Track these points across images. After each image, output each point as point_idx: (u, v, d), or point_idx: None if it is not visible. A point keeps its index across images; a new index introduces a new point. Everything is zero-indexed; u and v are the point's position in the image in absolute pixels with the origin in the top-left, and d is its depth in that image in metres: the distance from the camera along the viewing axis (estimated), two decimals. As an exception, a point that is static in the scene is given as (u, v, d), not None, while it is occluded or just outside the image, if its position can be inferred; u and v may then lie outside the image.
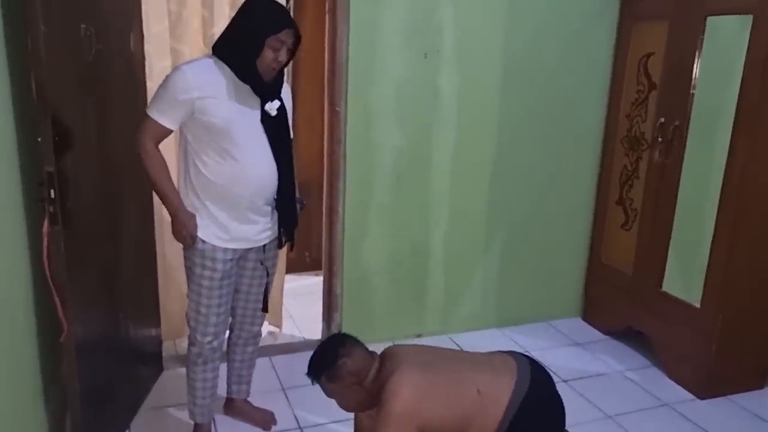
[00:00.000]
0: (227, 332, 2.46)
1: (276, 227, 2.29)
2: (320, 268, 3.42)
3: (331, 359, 1.88)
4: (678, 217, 3.01)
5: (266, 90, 2.11)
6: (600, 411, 2.78)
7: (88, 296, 2.19)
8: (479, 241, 3.45)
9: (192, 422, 2.46)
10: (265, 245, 2.30)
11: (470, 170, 3.31)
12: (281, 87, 2.20)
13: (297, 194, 2.37)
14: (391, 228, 3.24)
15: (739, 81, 2.64)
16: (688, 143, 2.94)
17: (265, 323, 3.40)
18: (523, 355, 2.03)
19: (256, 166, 2.13)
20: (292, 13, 3.92)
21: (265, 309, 2.44)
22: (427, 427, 1.79)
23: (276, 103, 2.16)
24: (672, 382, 3.03)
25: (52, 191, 1.90)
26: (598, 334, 3.54)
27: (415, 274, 3.36)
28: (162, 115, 2.04)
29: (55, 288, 1.97)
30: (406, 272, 3.34)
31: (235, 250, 2.21)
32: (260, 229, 2.24)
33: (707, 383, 2.89)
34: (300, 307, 3.73)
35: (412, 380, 1.81)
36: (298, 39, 2.10)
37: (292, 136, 2.32)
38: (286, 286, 3.56)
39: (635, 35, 3.23)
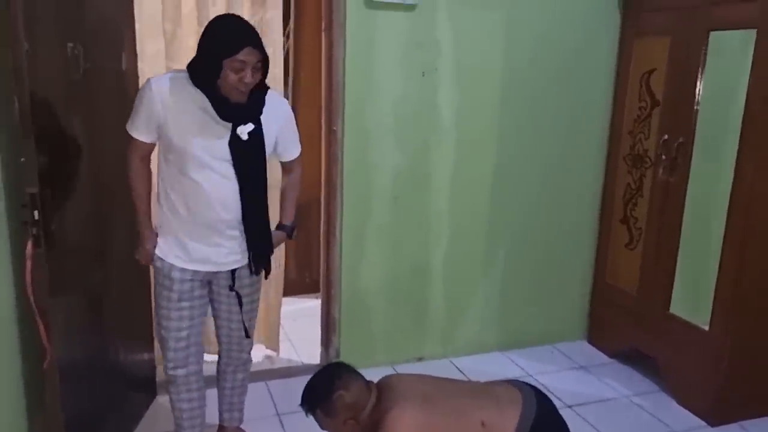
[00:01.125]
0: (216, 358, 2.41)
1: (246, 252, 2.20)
2: (319, 290, 3.35)
3: (326, 392, 1.81)
4: (684, 237, 2.93)
5: (231, 113, 2.02)
6: (606, 438, 2.69)
7: (73, 320, 2.14)
8: (480, 261, 3.37)
9: None
10: (235, 270, 2.22)
11: (470, 189, 3.25)
12: (258, 109, 2.09)
13: (287, 221, 2.35)
14: (390, 249, 3.17)
15: (744, 96, 2.58)
16: (693, 161, 2.87)
17: (262, 347, 3.36)
18: (527, 384, 1.95)
19: (216, 189, 2.06)
20: (291, 34, 3.91)
21: (247, 335, 2.35)
22: None
23: (249, 127, 2.06)
24: (681, 408, 2.92)
25: (35, 213, 1.85)
26: (603, 357, 3.44)
27: (415, 296, 3.28)
28: (135, 129, 2.05)
29: (39, 312, 1.91)
30: (406, 294, 3.26)
31: (195, 272, 2.14)
32: (226, 253, 2.15)
33: (717, 409, 2.79)
34: (299, 329, 3.65)
35: (410, 417, 1.73)
36: (264, 57, 2.00)
37: (296, 153, 2.35)
38: (285, 308, 3.50)
39: (637, 51, 3.18)
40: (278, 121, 2.18)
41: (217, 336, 2.37)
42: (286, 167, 2.38)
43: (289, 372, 3.18)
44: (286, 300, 3.81)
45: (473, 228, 3.31)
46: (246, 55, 1.95)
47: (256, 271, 2.27)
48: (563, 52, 3.23)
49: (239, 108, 2.04)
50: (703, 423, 2.81)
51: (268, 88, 2.14)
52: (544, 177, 3.38)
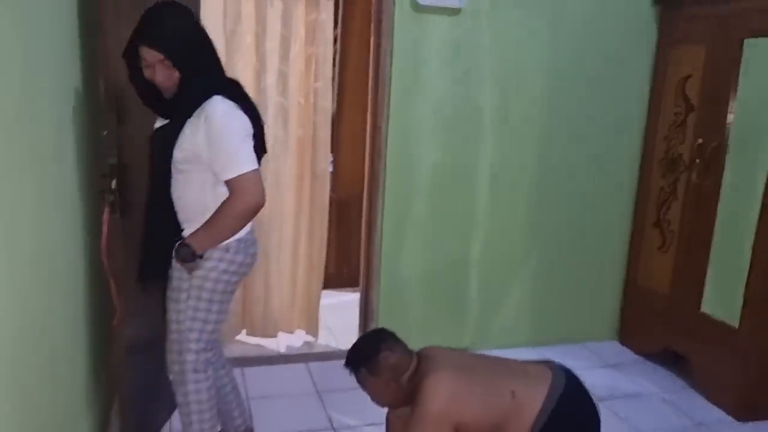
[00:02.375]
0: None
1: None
2: (357, 285, 3.50)
3: (372, 352, 1.92)
4: (716, 238, 3.01)
5: (151, 105, 1.99)
6: (635, 430, 2.76)
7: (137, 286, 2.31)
8: (515, 258, 3.49)
9: None
10: None
11: (508, 188, 3.37)
12: (179, 107, 1.93)
13: (188, 239, 1.97)
14: (429, 242, 3.31)
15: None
16: (726, 164, 2.96)
17: (302, 332, 3.52)
18: (558, 364, 2.04)
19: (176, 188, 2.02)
20: (339, 37, 4.11)
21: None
22: (462, 426, 1.81)
23: (163, 121, 1.99)
24: (711, 405, 2.98)
25: (113, 182, 2.04)
26: (633, 356, 3.51)
27: (452, 288, 3.41)
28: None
29: (111, 273, 2.09)
30: (443, 286, 3.39)
31: None
32: None
33: (748, 407, 2.85)
34: (337, 320, 3.80)
35: (447, 381, 1.84)
36: (158, 53, 1.85)
37: (231, 176, 1.89)
38: (324, 300, 3.66)
39: (673, 58, 3.28)
40: (203, 130, 1.89)
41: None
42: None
43: (327, 356, 3.32)
44: (325, 293, 3.96)
45: (510, 225, 3.43)
46: (143, 53, 1.87)
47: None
48: (602, 58, 3.35)
49: (160, 102, 1.97)
50: (732, 419, 2.86)
51: (214, 93, 1.91)
52: (580, 178, 3.49)
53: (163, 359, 2.08)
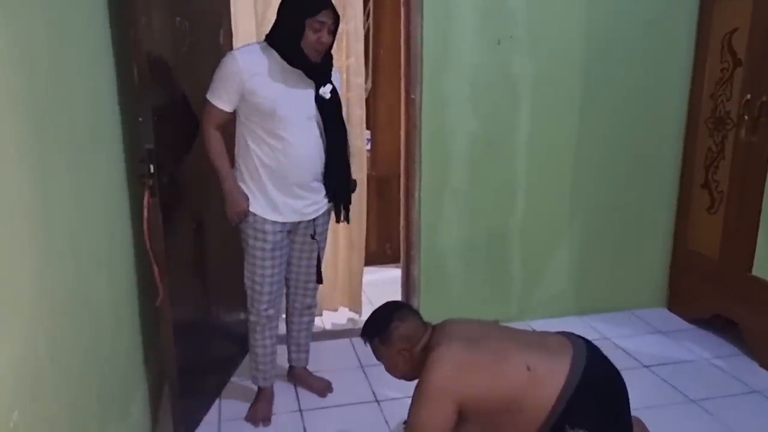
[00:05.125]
0: (285, 303, 2.65)
1: (324, 202, 2.45)
2: (399, 261, 3.51)
3: (385, 322, 1.95)
4: (767, 198, 2.89)
5: (316, 72, 2.26)
6: (683, 395, 2.71)
7: (181, 267, 2.39)
8: (558, 226, 3.44)
9: (255, 387, 2.62)
10: (315, 219, 2.45)
11: (548, 155, 3.31)
12: (331, 70, 2.35)
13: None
14: (468, 213, 3.29)
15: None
16: (776, 120, 2.83)
17: (345, 309, 3.57)
18: (578, 335, 1.97)
19: (303, 146, 2.30)
20: (371, 13, 4.08)
21: (319, 280, 2.59)
22: (469, 402, 1.77)
23: (329, 87, 2.32)
24: (764, 371, 2.90)
25: (151, 166, 2.10)
26: (683, 323, 3.43)
27: (493, 259, 3.39)
28: (217, 99, 2.24)
29: (153, 255, 2.16)
30: (483, 257, 3.37)
31: (284, 223, 2.38)
32: (308, 203, 2.40)
33: (802, 370, 2.76)
34: (380, 296, 3.77)
35: (454, 354, 1.80)
36: (337, 20, 2.24)
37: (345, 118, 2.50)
38: (367, 277, 3.70)
39: (718, 12, 3.14)
40: (337, 83, 2.41)
41: (286, 280, 2.59)
42: None
43: (371, 331, 3.35)
44: (369, 269, 4.03)
45: (551, 193, 3.37)
46: (324, 16, 2.19)
47: (344, 217, 2.52)
48: (642, 17, 3.24)
49: (321, 67, 2.27)
50: (786, 384, 2.78)
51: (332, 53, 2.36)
52: (623, 143, 3.39)
53: (210, 339, 2.23)
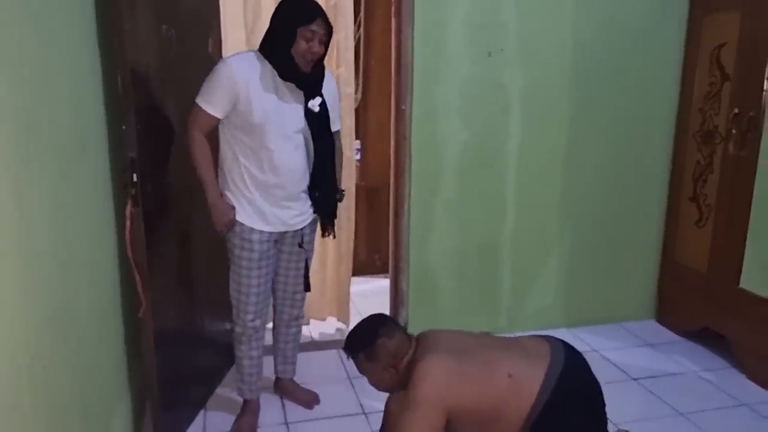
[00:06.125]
0: (273, 313, 2.63)
1: (310, 212, 2.44)
2: (389, 271, 3.49)
3: (370, 338, 1.92)
4: (755, 210, 2.89)
5: (307, 83, 2.25)
6: (671, 408, 2.69)
7: (166, 277, 2.36)
8: (548, 238, 3.43)
9: (241, 399, 2.59)
10: (302, 229, 2.44)
11: (538, 167, 3.31)
12: (321, 81, 2.32)
13: (339, 185, 2.55)
14: (458, 225, 3.27)
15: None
16: (764, 134, 2.84)
17: (333, 320, 3.54)
18: (559, 340, 1.98)
19: (290, 158, 2.28)
20: (362, 23, 4.08)
21: (306, 288, 2.57)
22: (457, 411, 1.77)
23: (318, 100, 2.30)
24: (751, 383, 2.89)
25: (134, 175, 2.08)
26: (672, 336, 3.42)
27: (482, 271, 3.37)
28: (208, 104, 2.20)
29: (136, 265, 2.13)
30: (473, 269, 3.36)
31: (270, 233, 2.36)
32: (295, 213, 2.39)
33: (790, 384, 2.75)
34: (369, 306, 3.77)
35: (441, 365, 1.80)
36: (329, 31, 2.23)
37: (338, 127, 2.50)
38: (356, 287, 3.69)
39: (707, 26, 3.16)
40: (329, 95, 2.38)
41: (273, 291, 2.57)
42: None
43: (359, 342, 3.33)
44: (357, 279, 4.01)
45: (541, 205, 3.37)
46: (317, 25, 2.18)
47: (329, 232, 2.50)
48: (631, 30, 3.25)
49: (309, 78, 2.25)
50: (774, 397, 2.77)
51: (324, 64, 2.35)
52: (612, 155, 3.40)
53: (195, 350, 2.20)
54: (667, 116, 3.41)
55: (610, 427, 2.37)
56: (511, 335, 3.36)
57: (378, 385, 2.01)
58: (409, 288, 3.30)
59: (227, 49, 2.98)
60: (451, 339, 1.95)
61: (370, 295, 3.95)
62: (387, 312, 3.41)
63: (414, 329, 3.28)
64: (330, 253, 3.45)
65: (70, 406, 1.62)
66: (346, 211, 3.38)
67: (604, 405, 1.93)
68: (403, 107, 3.07)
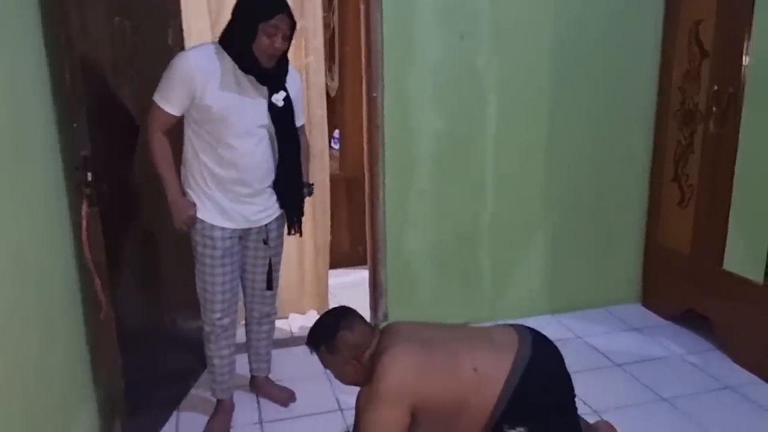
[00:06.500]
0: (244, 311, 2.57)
1: (275, 208, 2.36)
2: (369, 262, 3.43)
3: (331, 331, 1.89)
4: (737, 190, 2.83)
5: (269, 78, 2.17)
6: (654, 393, 2.64)
7: (128, 277, 2.29)
8: (529, 225, 3.36)
9: (214, 399, 2.53)
10: (267, 225, 2.37)
11: (516, 152, 3.24)
12: (285, 76, 2.26)
13: (306, 180, 2.48)
14: (435, 213, 3.20)
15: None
16: (744, 111, 2.77)
17: (314, 313, 3.48)
18: (528, 328, 1.93)
19: (252, 154, 2.21)
20: (336, 10, 3.99)
21: (269, 287, 2.48)
22: (421, 404, 1.74)
23: (282, 94, 2.24)
24: (736, 365, 2.84)
25: (88, 174, 2.00)
26: (658, 320, 3.37)
27: (462, 260, 3.31)
28: (165, 102, 2.13)
29: (94, 266, 2.06)
30: (452, 258, 3.29)
31: (233, 230, 2.29)
32: (259, 209, 2.31)
33: (775, 365, 2.70)
34: (351, 298, 3.69)
35: (405, 358, 1.77)
36: (292, 25, 2.14)
37: (302, 122, 2.44)
38: (339, 279, 3.65)
39: (684, 3, 3.08)
40: (293, 90, 2.31)
41: (243, 288, 2.50)
42: None
43: (339, 336, 3.27)
44: (340, 271, 3.98)
45: (521, 192, 3.30)
46: (279, 21, 2.09)
47: (296, 229, 2.41)
48: (609, 9, 3.17)
49: (271, 73, 2.17)
50: (759, 379, 2.72)
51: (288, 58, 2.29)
52: (593, 139, 3.33)
53: (165, 351, 2.14)
54: (647, 96, 3.34)
55: (591, 417, 2.33)
56: (494, 324, 3.35)
57: (343, 379, 1.98)
58: (387, 279, 3.23)
59: (192, 40, 2.89)
60: (415, 331, 1.91)
61: (353, 287, 3.89)
62: (367, 304, 3.36)
63: (394, 318, 3.26)
64: (307, 246, 3.38)
65: (23, 409, 1.56)
66: (322, 203, 3.32)
67: (572, 395, 1.88)
68: (374, 95, 2.99)
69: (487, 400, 1.73)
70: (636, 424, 2.41)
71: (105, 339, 2.17)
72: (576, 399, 1.90)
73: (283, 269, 3.31)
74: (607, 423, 2.21)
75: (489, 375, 1.75)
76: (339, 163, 4.35)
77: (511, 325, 1.96)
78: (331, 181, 4.24)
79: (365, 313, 3.33)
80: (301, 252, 3.37)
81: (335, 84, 4.23)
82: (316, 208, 3.32)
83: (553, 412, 1.76)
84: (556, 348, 1.91)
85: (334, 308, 2.06)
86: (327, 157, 3.34)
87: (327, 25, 4.32)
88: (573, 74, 3.21)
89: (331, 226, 4.30)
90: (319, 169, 3.26)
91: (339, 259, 4.32)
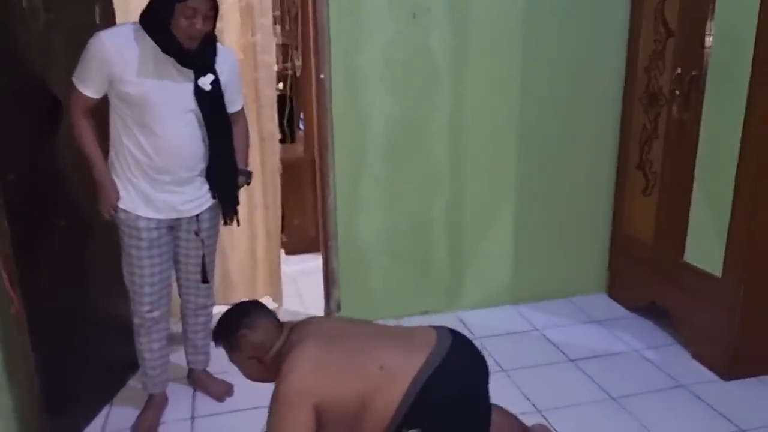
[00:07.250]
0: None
1: (207, 197, 2.25)
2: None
3: (232, 328, 1.81)
4: (699, 179, 2.70)
5: (192, 60, 2.05)
6: (604, 392, 2.54)
7: (45, 269, 2.18)
8: (489, 212, 3.24)
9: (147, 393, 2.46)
10: (198, 216, 2.26)
11: (473, 137, 3.10)
12: (213, 58, 2.13)
13: (244, 167, 2.38)
14: (388, 201, 3.09)
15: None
16: (706, 96, 2.62)
17: (268, 300, 3.38)
18: (452, 331, 1.82)
19: (177, 138, 2.10)
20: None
21: (204, 280, 2.38)
22: (326, 404, 1.65)
23: (209, 77, 2.11)
24: (694, 362, 2.73)
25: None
26: (622, 311, 3.26)
27: (417, 248, 3.19)
28: (82, 84, 2.03)
29: (1, 260, 1.96)
30: (407, 247, 3.18)
31: (159, 220, 2.18)
32: (187, 199, 2.21)
33: (732, 362, 2.58)
34: (311, 286, 3.63)
35: (307, 357, 1.69)
36: (214, 5, 2.02)
37: (239, 107, 2.34)
38: (301, 266, 3.57)
39: (651, -21, 2.92)
40: (226, 72, 2.19)
41: (177, 279, 2.41)
42: (232, 118, 2.31)
43: (291, 325, 3.18)
44: (295, 258, 3.93)
45: (478, 177, 3.17)
46: (197, 1, 1.96)
47: (228, 217, 2.32)
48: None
49: (194, 56, 2.05)
50: (715, 377, 2.61)
51: (216, 38, 2.17)
52: (557, 121, 3.19)
53: (93, 345, 2.06)
54: (615, 78, 3.18)
55: (534, 416, 2.25)
56: (452, 315, 3.26)
57: (249, 377, 1.91)
58: (339, 266, 3.12)
59: (130, 17, 2.75)
60: (324, 327, 1.84)
61: (313, 274, 3.77)
62: (321, 293, 3.26)
63: (348, 310, 3.17)
64: (259, 232, 3.27)
65: None
66: (272, 188, 3.21)
67: (486, 399, 1.79)
68: (322, 76, 2.85)
69: (391, 399, 1.64)
70: (579, 424, 2.32)
71: (18, 335, 2.07)
72: (491, 408, 1.79)
73: (235, 255, 3.23)
74: (543, 426, 2.12)
75: (395, 374, 1.65)
76: (304, 145, 4.22)
77: (435, 327, 1.85)
78: (296, 163, 4.15)
79: (322, 301, 3.25)
80: (253, 237, 3.27)
81: (299, 63, 4.10)
82: (267, 194, 3.20)
83: (457, 419, 1.66)
84: (477, 354, 1.80)
85: (239, 303, 1.97)
86: (277, 141, 3.21)
87: (292, 4, 4.19)
88: (535, 54, 3.06)
89: (297, 211, 4.21)
90: (269, 153, 3.14)
91: (307, 244, 4.22)
